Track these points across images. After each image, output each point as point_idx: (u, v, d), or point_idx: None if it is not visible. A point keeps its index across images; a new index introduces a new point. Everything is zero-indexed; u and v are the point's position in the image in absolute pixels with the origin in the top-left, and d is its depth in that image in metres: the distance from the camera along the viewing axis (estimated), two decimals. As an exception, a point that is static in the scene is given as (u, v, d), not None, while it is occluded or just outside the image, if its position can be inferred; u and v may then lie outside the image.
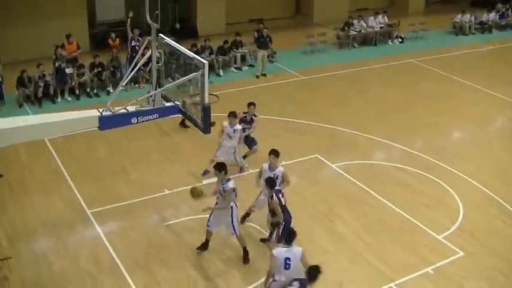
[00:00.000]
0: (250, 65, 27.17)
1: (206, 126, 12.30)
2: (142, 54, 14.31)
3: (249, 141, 18.37)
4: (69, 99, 23.26)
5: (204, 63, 11.81)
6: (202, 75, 11.80)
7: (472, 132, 22.47)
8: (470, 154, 20.35)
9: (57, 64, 23.30)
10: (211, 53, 26.18)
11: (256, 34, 26.68)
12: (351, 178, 18.02)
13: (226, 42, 26.99)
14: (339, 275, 13.80)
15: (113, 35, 26.04)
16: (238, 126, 17.58)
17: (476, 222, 16.29)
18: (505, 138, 21.96)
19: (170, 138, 20.07)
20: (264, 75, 26.16)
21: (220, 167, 13.90)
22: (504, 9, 38.18)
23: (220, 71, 26.31)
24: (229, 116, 17.50)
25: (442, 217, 16.36)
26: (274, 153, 15.05)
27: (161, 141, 19.86)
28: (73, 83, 23.41)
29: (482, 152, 20.53)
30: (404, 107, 23.89)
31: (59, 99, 23.15)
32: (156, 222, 15.71)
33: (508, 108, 24.49)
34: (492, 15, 36.95)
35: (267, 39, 26.50)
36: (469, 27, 35.72)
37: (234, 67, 26.96)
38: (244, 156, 18.34)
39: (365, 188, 17.52)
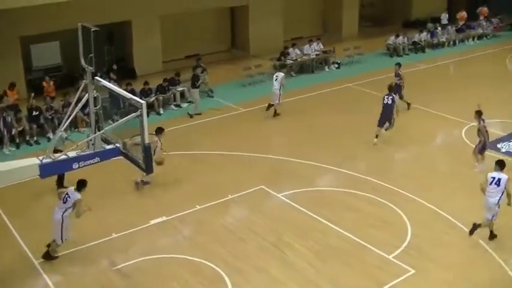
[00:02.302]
0: (190, 102, 27.14)
1: (148, 166, 12.26)
2: (80, 98, 14.20)
3: None
4: (8, 152, 22.49)
5: (141, 104, 11.79)
6: (141, 115, 11.78)
7: (414, 151, 22.78)
8: (413, 172, 20.68)
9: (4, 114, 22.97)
10: (150, 93, 26.10)
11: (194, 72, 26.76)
12: (298, 206, 18.07)
13: (165, 79, 26.96)
14: (293, 304, 13.81)
15: (47, 77, 25.81)
16: None
17: (424, 238, 16.50)
18: (445, 153, 22.39)
19: (111, 182, 19.81)
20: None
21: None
22: (434, 28, 39.20)
23: (161, 109, 26.23)
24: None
25: (391, 237, 16.51)
26: None
27: (104, 184, 19.62)
28: (13, 132, 22.95)
29: (425, 169, 20.88)
30: (345, 131, 24.16)
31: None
32: (106, 267, 15.46)
33: (445, 124, 24.98)
34: (424, 35, 37.88)
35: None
36: (403, 48, 36.54)
37: (174, 105, 26.92)
38: None
39: (312, 215, 17.57)
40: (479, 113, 20.38)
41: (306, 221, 17.37)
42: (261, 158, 21.40)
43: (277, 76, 25.72)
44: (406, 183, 19.50)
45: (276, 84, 25.42)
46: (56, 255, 15.55)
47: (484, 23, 42.76)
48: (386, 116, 22.82)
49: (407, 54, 36.46)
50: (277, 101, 25.52)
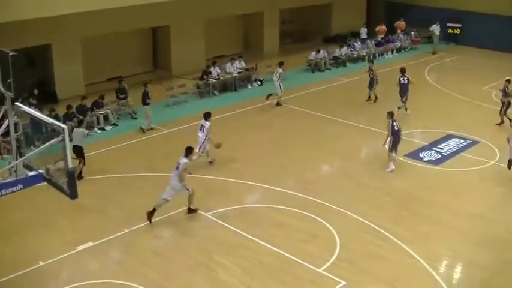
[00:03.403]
0: (114, 124, 26.84)
1: (72, 192, 12.05)
2: (0, 124, 13.89)
3: None
4: None
5: (63, 128, 11.60)
6: (63, 140, 11.58)
7: (340, 164, 23.12)
8: (340, 185, 20.96)
9: None
10: (74, 117, 25.63)
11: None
12: (227, 225, 18.05)
13: (83, 97, 26.57)
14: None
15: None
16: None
17: (354, 250, 16.73)
18: (370, 165, 22.71)
19: (37, 209, 19.39)
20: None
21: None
22: (353, 43, 39.91)
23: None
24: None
25: (320, 250, 16.66)
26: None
27: (30, 211, 19.20)
28: None
29: (350, 182, 21.20)
30: (271, 148, 24.33)
31: None
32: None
33: (368, 136, 25.45)
34: (344, 50, 38.48)
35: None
36: (324, 63, 37.00)
37: (98, 128, 26.53)
38: None
39: (242, 232, 17.58)
40: (391, 114, 22.33)
41: (235, 239, 17.36)
42: (188, 177, 21.25)
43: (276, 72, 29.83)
44: (333, 197, 19.74)
45: (275, 78, 29.45)
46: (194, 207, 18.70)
47: (402, 37, 43.80)
48: (405, 93, 27.98)
49: (329, 69, 36.98)
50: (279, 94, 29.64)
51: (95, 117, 26.52)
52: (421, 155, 23.62)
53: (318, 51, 36.85)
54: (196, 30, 35.61)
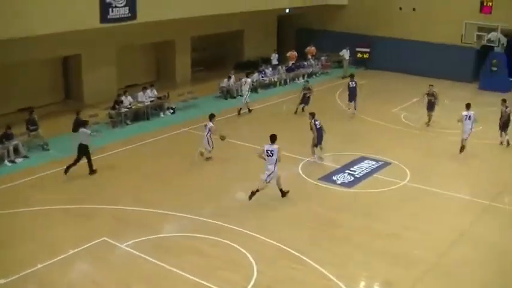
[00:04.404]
0: (25, 156, 26.22)
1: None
2: None
3: None
4: None
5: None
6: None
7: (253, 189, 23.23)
8: (255, 211, 21.06)
9: None
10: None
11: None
12: (143, 255, 17.80)
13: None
14: None
15: None
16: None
17: (271, 275, 16.79)
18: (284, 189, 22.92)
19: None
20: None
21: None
22: (264, 69, 40.37)
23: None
24: None
25: (238, 277, 16.66)
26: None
27: None
28: None
29: (265, 207, 21.34)
30: (185, 175, 24.28)
31: None
32: None
33: (283, 160, 25.60)
34: (256, 76, 38.78)
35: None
36: (236, 90, 37.18)
37: (8, 160, 25.83)
38: None
39: (159, 262, 17.37)
40: (312, 114, 26.13)
41: (153, 269, 17.16)
42: (102, 209, 20.98)
43: (245, 81, 34.40)
44: (248, 223, 19.82)
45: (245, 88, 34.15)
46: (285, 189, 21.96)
47: (313, 62, 44.61)
48: (353, 96, 32.98)
49: (241, 95, 37.18)
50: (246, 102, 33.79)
51: (5, 150, 25.77)
52: (334, 178, 23.98)
53: (229, 78, 37.09)
54: (107, 59, 35.30)
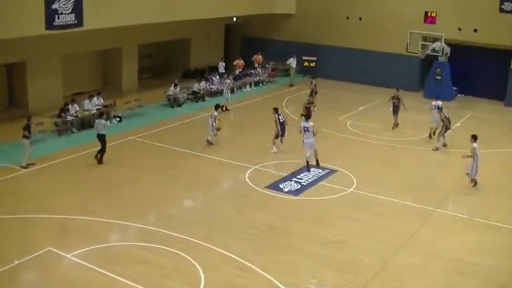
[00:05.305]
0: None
1: None
2: None
3: None
4: None
5: None
6: None
7: (201, 197, 23.26)
8: (201, 219, 21.07)
9: None
10: None
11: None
12: (90, 265, 17.57)
13: None
14: None
15: None
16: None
17: (218, 283, 16.81)
18: (231, 197, 23.11)
19: None
20: None
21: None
22: (211, 77, 40.41)
23: None
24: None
25: (185, 285, 16.61)
26: None
27: None
28: None
29: (212, 215, 21.36)
30: (131, 184, 24.09)
31: None
32: None
33: (228, 168, 25.75)
34: (203, 84, 38.77)
35: None
36: (182, 98, 37.08)
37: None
38: None
39: (105, 272, 17.17)
40: (276, 109, 28.50)
41: (99, 279, 16.96)
42: (47, 218, 20.67)
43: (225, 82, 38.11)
44: (195, 231, 19.80)
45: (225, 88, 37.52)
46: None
47: (260, 70, 44.77)
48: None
49: (189, 102, 37.18)
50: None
51: None
52: (281, 185, 24.08)
53: (176, 86, 36.92)
54: (53, 67, 34.80)
